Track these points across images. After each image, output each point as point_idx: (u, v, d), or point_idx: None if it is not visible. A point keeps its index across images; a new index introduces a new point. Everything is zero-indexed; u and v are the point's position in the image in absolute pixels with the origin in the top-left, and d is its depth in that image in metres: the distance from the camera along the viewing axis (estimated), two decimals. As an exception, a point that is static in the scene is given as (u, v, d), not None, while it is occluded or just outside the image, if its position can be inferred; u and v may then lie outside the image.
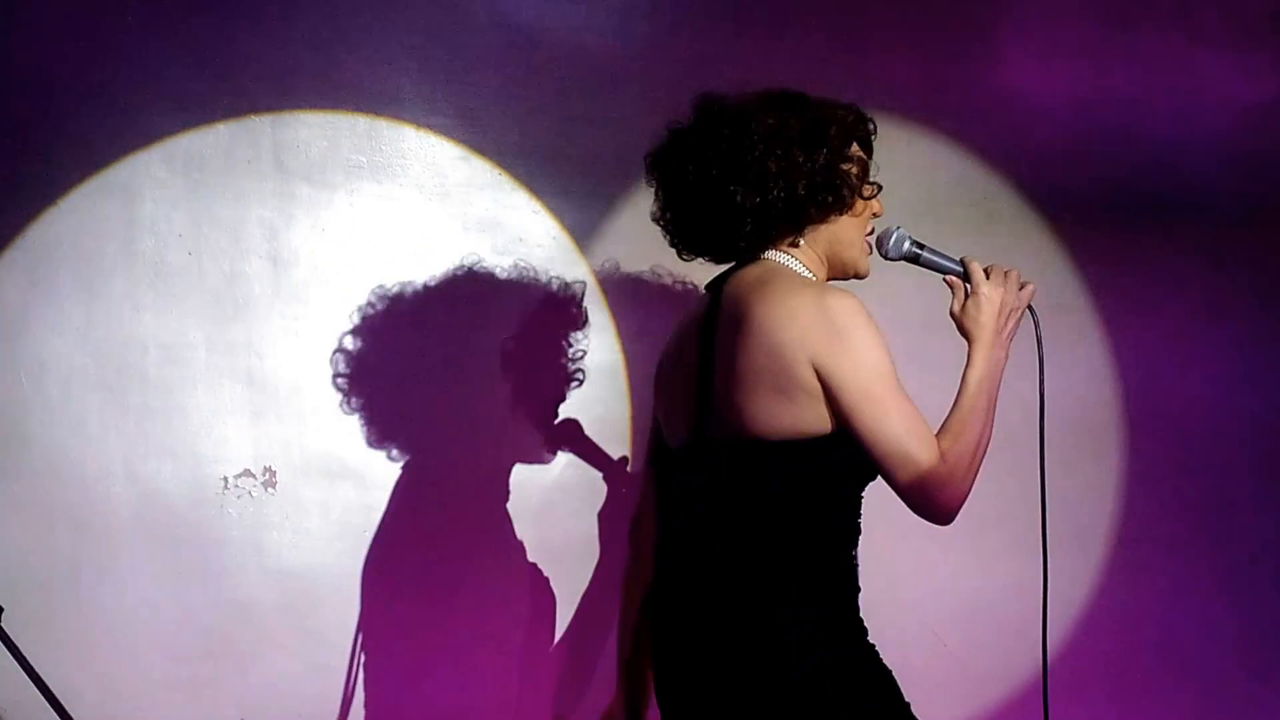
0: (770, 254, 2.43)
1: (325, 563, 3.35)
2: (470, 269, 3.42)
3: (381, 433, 3.34)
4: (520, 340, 3.41)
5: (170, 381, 3.30)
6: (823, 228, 2.43)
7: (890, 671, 2.38)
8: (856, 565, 2.39)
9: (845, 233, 2.44)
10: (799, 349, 2.25)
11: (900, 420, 2.23)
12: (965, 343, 2.42)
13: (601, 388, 3.47)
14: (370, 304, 3.35)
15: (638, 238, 3.47)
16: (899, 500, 2.37)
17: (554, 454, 3.40)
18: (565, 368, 3.37)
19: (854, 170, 2.43)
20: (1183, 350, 3.82)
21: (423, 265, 3.41)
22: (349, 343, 3.32)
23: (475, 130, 3.44)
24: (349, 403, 3.31)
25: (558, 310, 3.42)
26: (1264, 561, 3.85)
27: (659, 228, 2.56)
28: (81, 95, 3.27)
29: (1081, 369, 3.77)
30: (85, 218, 3.27)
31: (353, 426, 3.36)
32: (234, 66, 3.34)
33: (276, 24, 3.36)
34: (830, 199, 2.40)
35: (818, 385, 2.25)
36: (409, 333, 3.38)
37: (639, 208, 3.47)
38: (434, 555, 3.39)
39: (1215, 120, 3.87)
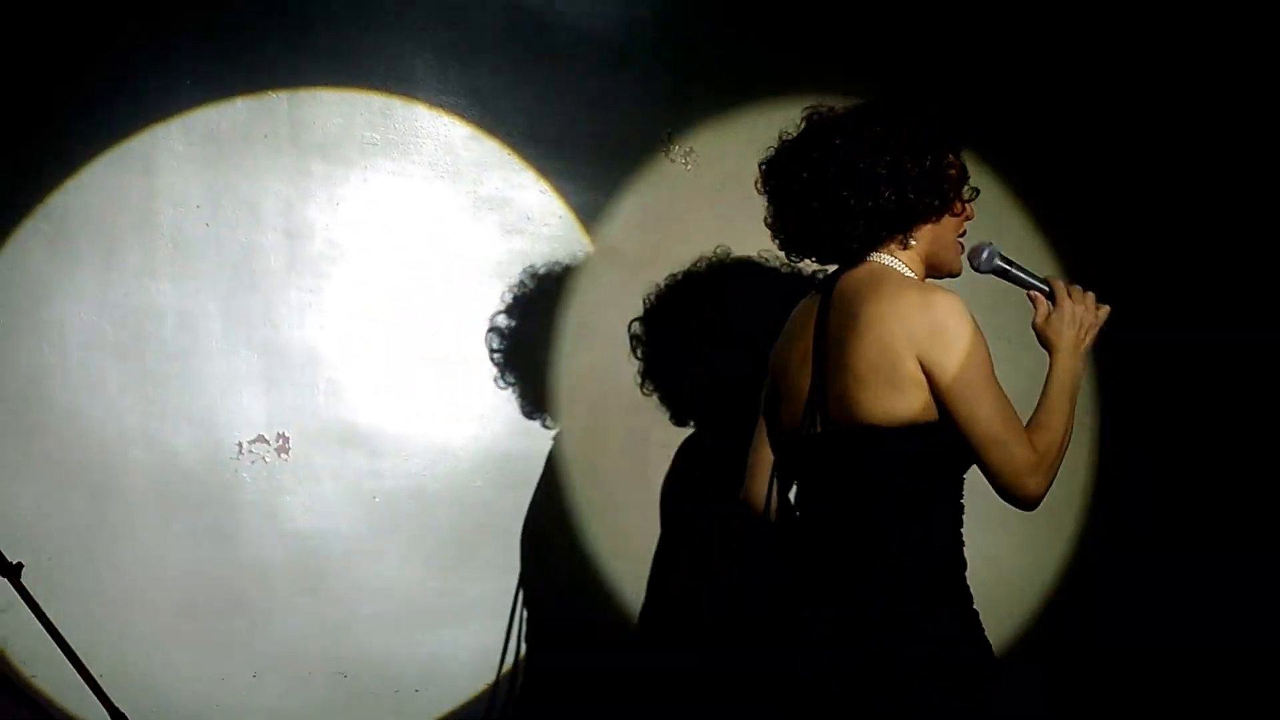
0: (876, 256, 2.60)
1: (336, 527, 3.45)
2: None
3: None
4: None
5: (187, 349, 3.38)
6: (925, 229, 2.60)
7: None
8: (945, 556, 2.53)
9: (944, 234, 2.62)
10: (906, 345, 2.44)
11: (996, 409, 2.42)
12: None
13: (614, 354, 3.59)
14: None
15: (639, 218, 3.64)
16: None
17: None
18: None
19: (953, 174, 2.61)
20: (1161, 338, 3.94)
21: (433, 243, 3.52)
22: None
23: (486, 111, 3.54)
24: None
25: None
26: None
27: (769, 230, 2.72)
28: (102, 69, 3.33)
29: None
30: (105, 188, 3.34)
31: (365, 396, 3.47)
32: (253, 44, 3.41)
33: (295, 3, 3.43)
34: (936, 201, 2.58)
35: (923, 377, 2.44)
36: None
37: (642, 190, 3.64)
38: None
39: (1200, 113, 4.01)
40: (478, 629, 3.50)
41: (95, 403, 3.33)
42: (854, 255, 2.62)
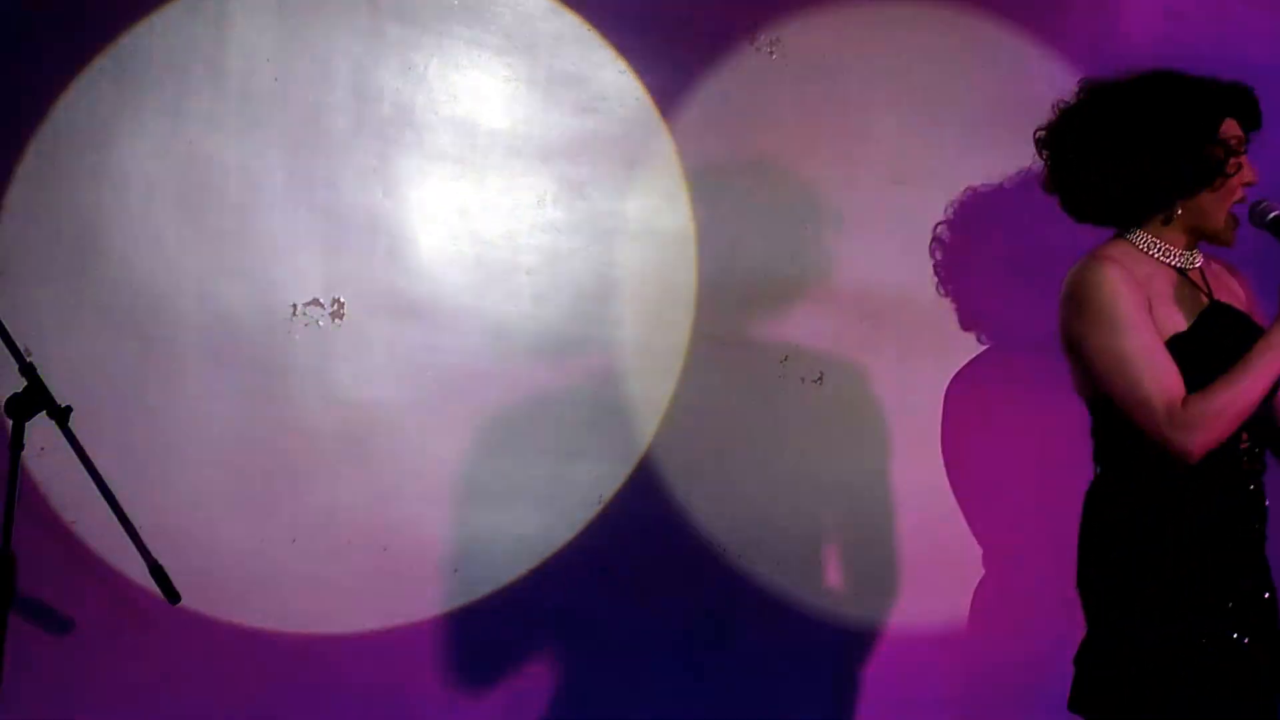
0: (1132, 233, 2.64)
1: (386, 397, 3.40)
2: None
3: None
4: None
5: (248, 205, 3.34)
6: (1192, 202, 2.62)
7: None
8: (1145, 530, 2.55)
9: (1213, 205, 2.63)
10: (1062, 330, 2.59)
11: (1134, 370, 2.49)
12: None
13: (671, 254, 3.51)
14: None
15: (718, 106, 3.53)
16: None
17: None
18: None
19: (1223, 150, 2.60)
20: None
21: (503, 116, 3.44)
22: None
23: (569, -17, 3.47)
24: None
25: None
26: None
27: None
28: (180, -89, 3.29)
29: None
30: (176, 34, 3.29)
31: (423, 268, 3.42)
32: (335, -105, 3.35)
33: None
34: (1201, 179, 2.59)
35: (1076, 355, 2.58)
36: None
37: (723, 76, 3.53)
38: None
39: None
40: (521, 513, 3.44)
41: (151, 252, 3.31)
42: (1121, 223, 2.67)
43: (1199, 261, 2.66)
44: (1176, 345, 2.52)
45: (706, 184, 3.52)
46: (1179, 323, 2.56)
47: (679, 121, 3.52)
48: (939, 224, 3.38)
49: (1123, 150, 2.57)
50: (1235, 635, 2.52)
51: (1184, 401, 2.46)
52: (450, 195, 3.42)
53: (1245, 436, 2.57)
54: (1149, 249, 2.62)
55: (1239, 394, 2.47)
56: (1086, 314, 2.51)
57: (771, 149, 3.54)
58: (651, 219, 3.51)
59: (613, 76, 3.49)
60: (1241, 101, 2.65)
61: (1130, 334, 2.49)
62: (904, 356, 3.53)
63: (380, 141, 3.39)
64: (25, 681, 3.13)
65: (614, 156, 3.50)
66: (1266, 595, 2.57)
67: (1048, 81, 3.68)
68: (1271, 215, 2.61)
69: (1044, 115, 2.73)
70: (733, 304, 3.53)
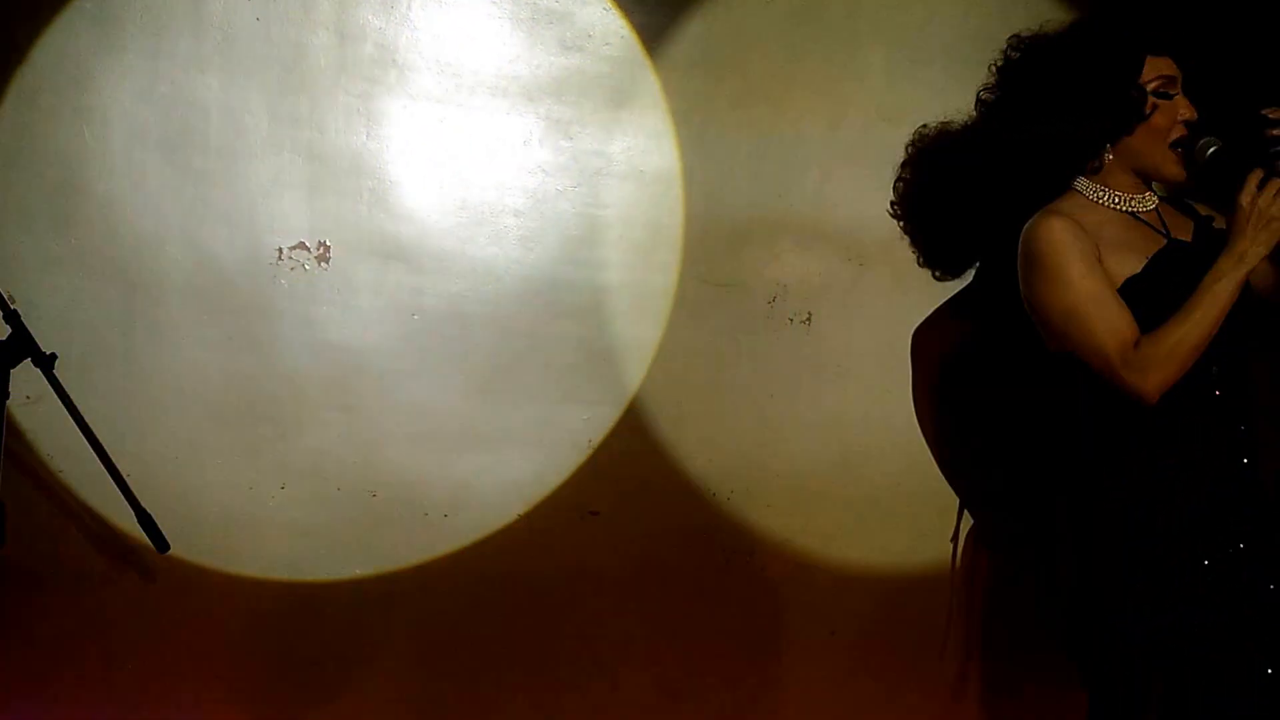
0: (1077, 181, 2.62)
1: (372, 340, 3.39)
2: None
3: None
4: None
5: (231, 147, 3.32)
6: (1121, 146, 2.59)
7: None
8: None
9: (1145, 145, 2.60)
10: (1021, 289, 2.56)
11: (1086, 318, 2.47)
12: None
13: (658, 194, 3.49)
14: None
15: (704, 44, 3.51)
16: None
17: None
18: None
19: (1139, 93, 2.56)
20: None
21: (488, 54, 3.41)
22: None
23: (553, -82, 3.44)
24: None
25: None
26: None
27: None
28: None
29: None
30: (156, -27, 3.27)
31: (408, 210, 3.39)
32: None
33: None
34: (1118, 125, 2.57)
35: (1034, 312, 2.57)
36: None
37: (709, 14, 3.51)
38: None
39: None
40: (512, 457, 3.44)
41: (134, 196, 3.28)
42: (1062, 177, 2.63)
43: (1153, 203, 2.64)
44: (1131, 288, 2.52)
45: (693, 123, 3.51)
46: (1132, 266, 2.55)
47: (665, 60, 3.50)
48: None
49: (1042, 104, 2.56)
50: (1235, 575, 2.52)
51: (1137, 343, 2.47)
52: (435, 136, 3.40)
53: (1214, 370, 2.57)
54: (1097, 197, 2.60)
55: (1188, 332, 2.47)
56: (1035, 270, 2.52)
57: (759, 88, 3.53)
58: (638, 159, 3.50)
59: (598, 14, 3.46)
60: (1170, 37, 2.61)
61: (1078, 284, 2.49)
62: (892, 296, 3.52)
63: (364, 82, 3.37)
64: (13, 631, 3.16)
65: (600, 96, 3.48)
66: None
67: (1036, 17, 3.68)
68: (1210, 151, 2.59)
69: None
70: (720, 244, 3.53)
